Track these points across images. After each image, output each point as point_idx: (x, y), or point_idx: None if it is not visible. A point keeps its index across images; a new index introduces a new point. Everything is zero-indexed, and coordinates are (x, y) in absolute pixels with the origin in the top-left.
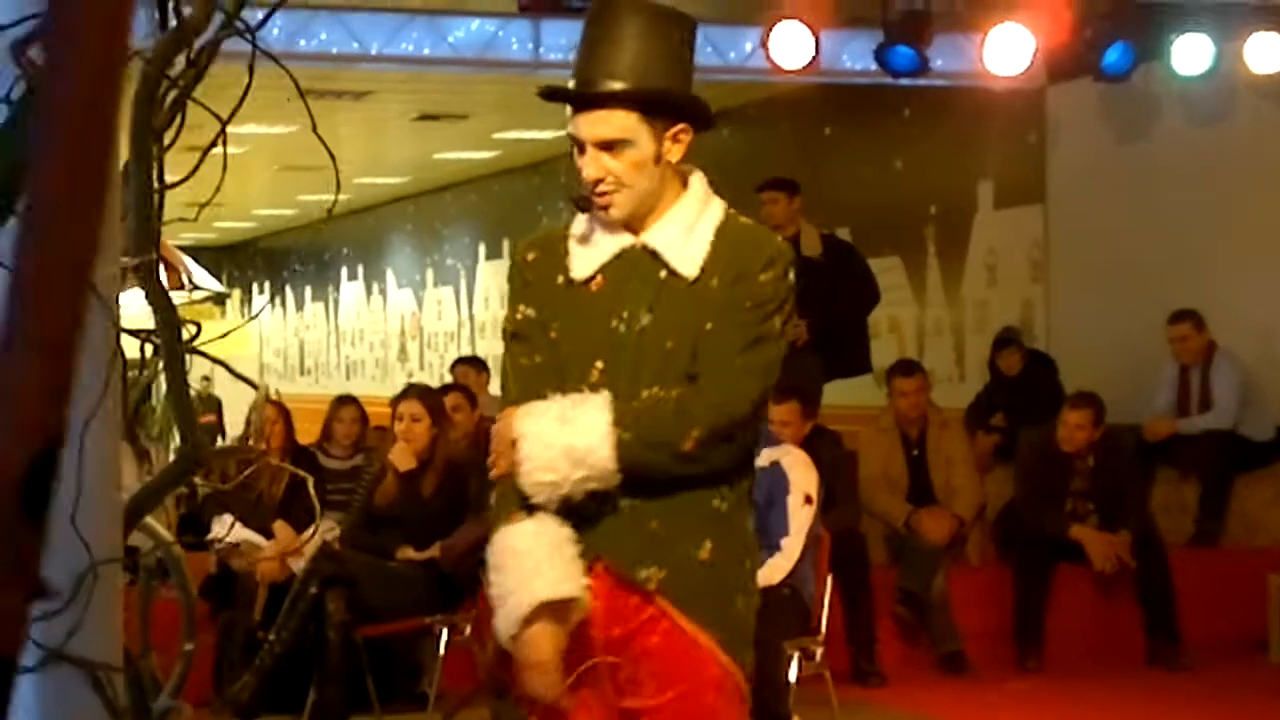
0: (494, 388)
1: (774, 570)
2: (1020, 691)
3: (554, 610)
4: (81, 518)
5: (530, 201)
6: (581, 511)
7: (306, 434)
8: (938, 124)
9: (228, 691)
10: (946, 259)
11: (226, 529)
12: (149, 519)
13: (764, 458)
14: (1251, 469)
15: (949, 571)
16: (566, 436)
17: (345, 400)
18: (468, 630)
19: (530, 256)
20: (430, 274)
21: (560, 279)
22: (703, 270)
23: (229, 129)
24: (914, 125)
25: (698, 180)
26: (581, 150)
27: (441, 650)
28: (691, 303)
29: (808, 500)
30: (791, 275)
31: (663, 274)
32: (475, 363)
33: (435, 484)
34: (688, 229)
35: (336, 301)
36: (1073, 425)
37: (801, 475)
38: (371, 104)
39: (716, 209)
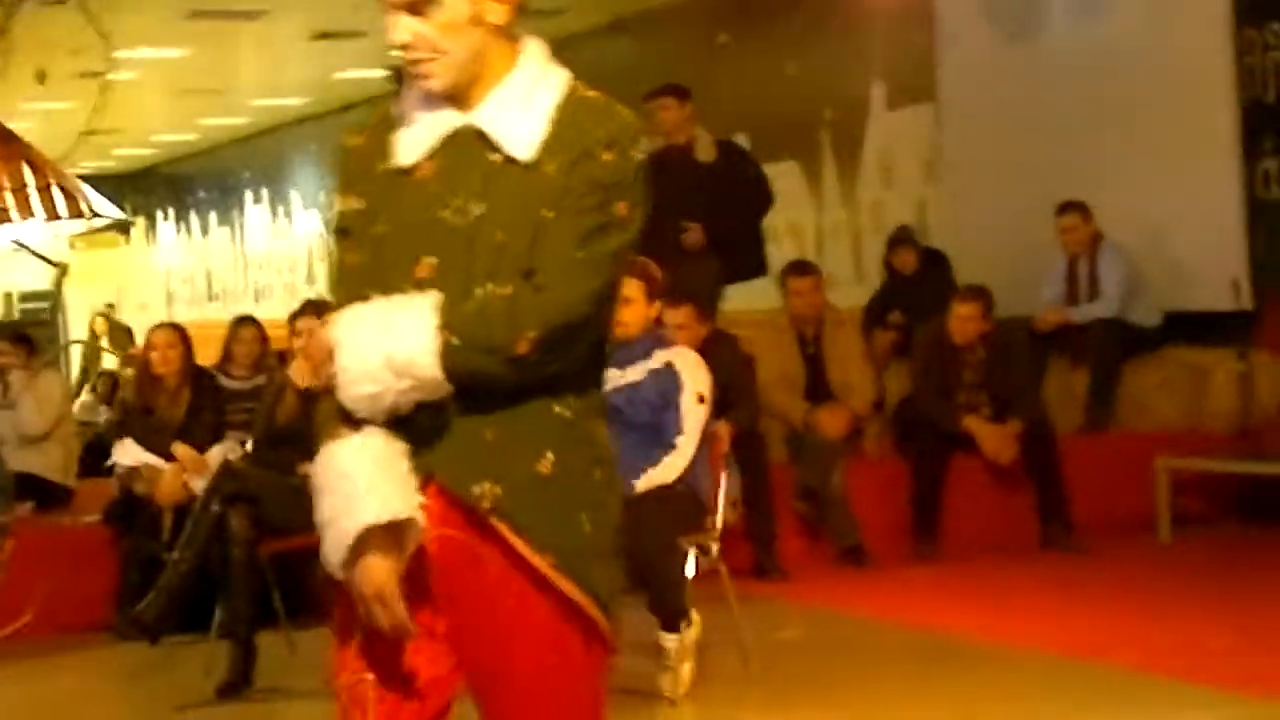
0: None
1: (669, 469)
2: (918, 580)
3: (387, 534)
4: None
5: None
6: (412, 425)
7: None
8: (829, 27)
9: (133, 611)
10: (842, 161)
11: (127, 454)
12: None
13: (656, 359)
14: (1140, 354)
15: (847, 467)
16: (387, 344)
17: (244, 320)
18: None
19: (354, 142)
20: None
21: (385, 166)
22: (540, 152)
23: (121, 54)
24: (806, 30)
25: (534, 47)
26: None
27: None
28: (527, 189)
29: (700, 399)
30: (639, 152)
31: (495, 157)
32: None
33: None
34: (521, 105)
35: (243, 226)
36: (963, 318)
37: (694, 375)
38: (266, 24)
39: (557, 81)
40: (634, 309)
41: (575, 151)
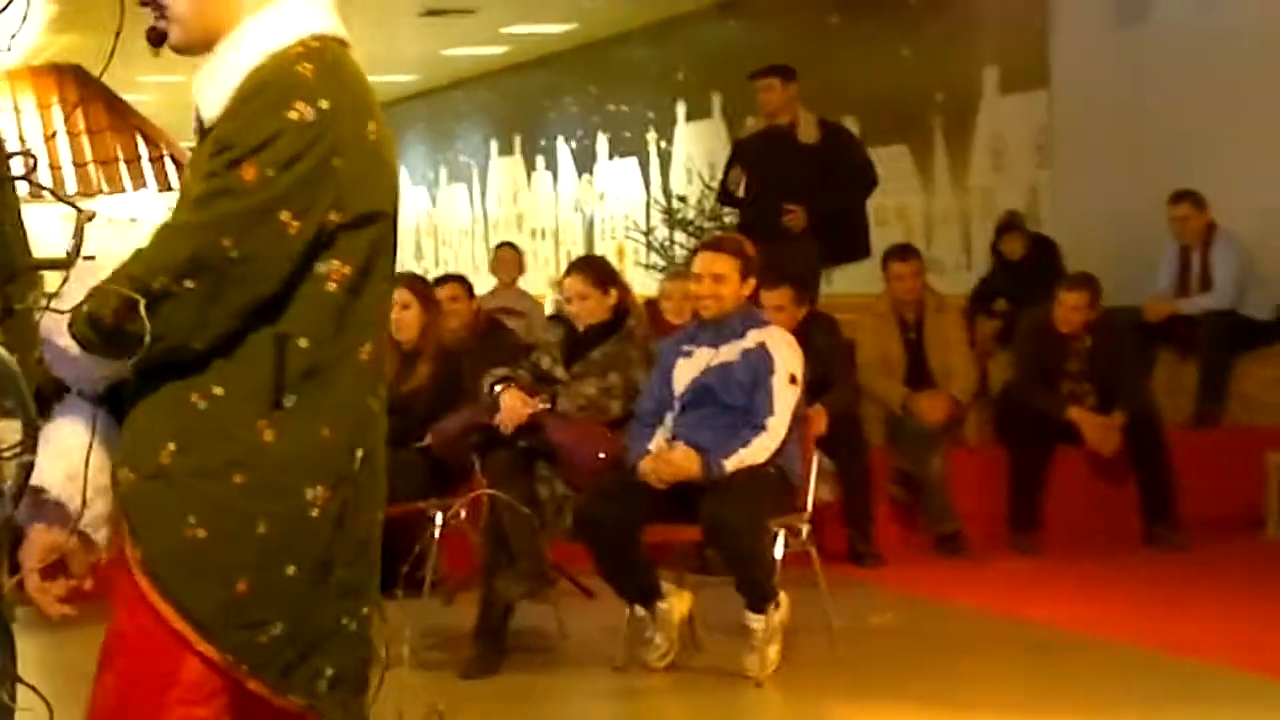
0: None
1: (759, 450)
2: (1016, 571)
3: (56, 509)
4: None
5: (540, 97)
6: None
7: None
8: (942, 10)
9: None
10: (952, 146)
11: None
12: None
13: (750, 339)
14: (1252, 348)
15: (946, 453)
16: (53, 319)
17: None
18: (462, 515)
19: None
20: (444, 171)
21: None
22: (220, 115)
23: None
24: (920, 13)
25: (285, 3)
26: None
27: (437, 535)
28: (201, 155)
29: (792, 380)
30: (297, 111)
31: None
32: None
33: (429, 371)
34: (220, 66)
35: None
36: (1069, 306)
37: (787, 355)
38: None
39: (271, 40)
40: (727, 285)
41: (233, 109)
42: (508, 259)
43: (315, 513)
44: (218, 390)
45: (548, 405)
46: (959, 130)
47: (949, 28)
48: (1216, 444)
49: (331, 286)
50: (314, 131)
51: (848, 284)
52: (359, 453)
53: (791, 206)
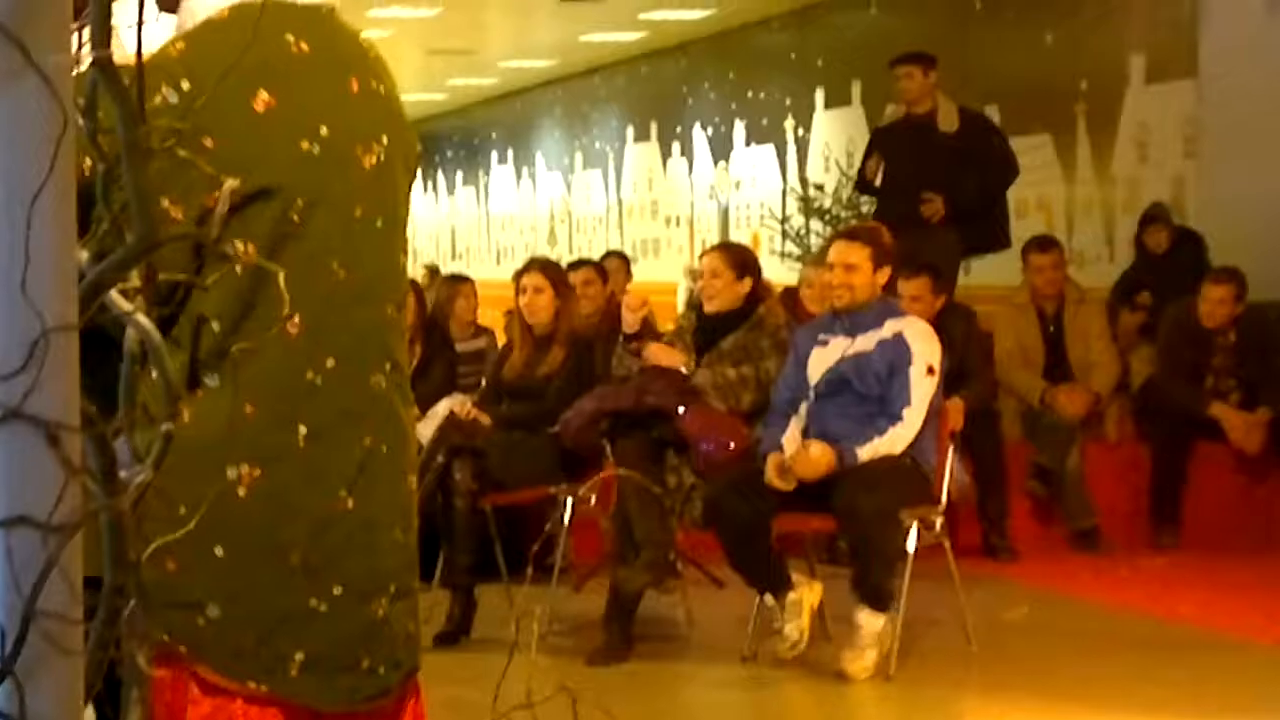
0: (640, 273)
1: (895, 440)
2: (1155, 569)
3: None
4: (32, 287)
5: (677, 83)
6: None
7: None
8: None
9: None
10: (1096, 135)
11: None
12: (116, 297)
13: (887, 329)
14: None
15: (1085, 448)
16: None
17: (460, 278)
18: (592, 501)
19: None
20: (579, 157)
21: None
22: None
23: (374, 12)
24: None
25: None
26: None
27: (566, 521)
28: None
29: (929, 371)
30: (161, 95)
31: None
32: (620, 256)
33: (561, 357)
34: (167, 32)
35: (487, 186)
36: (1214, 300)
37: (924, 346)
38: None
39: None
40: (859, 275)
41: None
42: (615, 269)
43: (242, 492)
44: (151, 374)
45: (690, 368)
46: (1103, 120)
47: (1095, 15)
48: None
49: (235, 267)
50: (175, 115)
51: (987, 275)
52: (301, 429)
53: (930, 195)
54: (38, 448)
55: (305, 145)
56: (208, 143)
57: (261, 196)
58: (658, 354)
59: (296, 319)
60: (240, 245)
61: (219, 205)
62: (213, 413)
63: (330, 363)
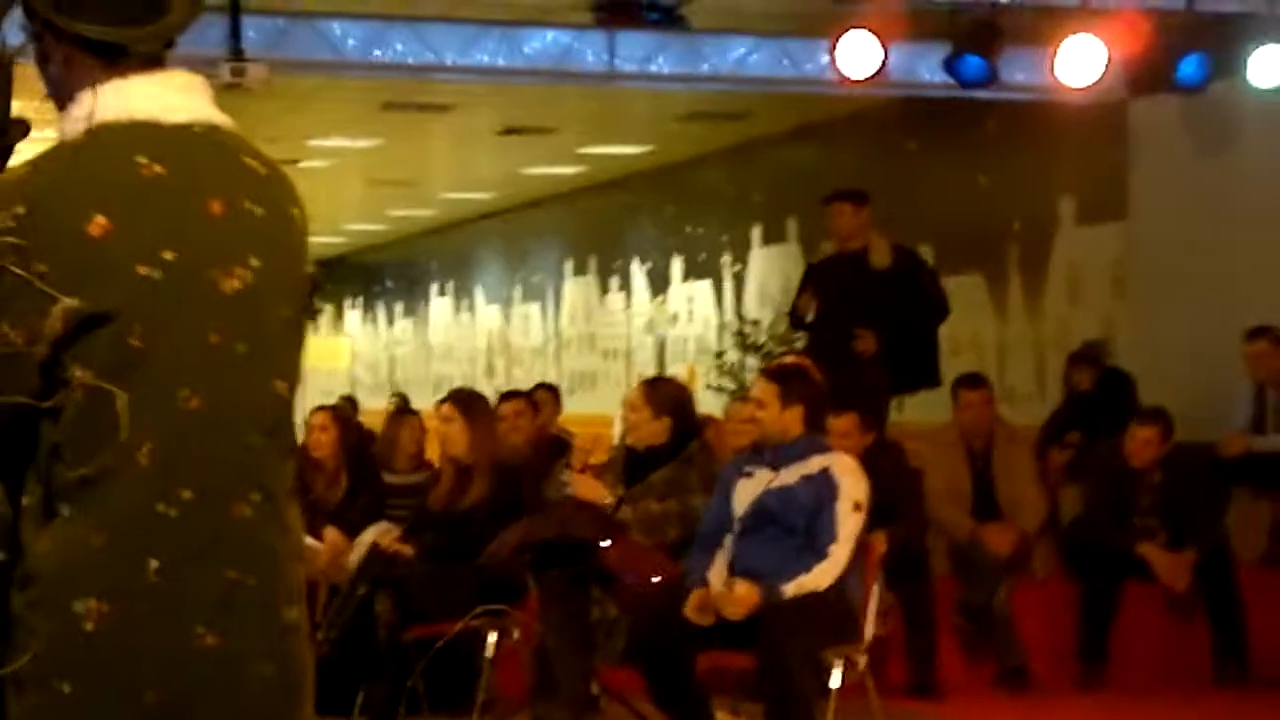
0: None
1: (821, 576)
2: (1083, 708)
3: None
4: None
5: (617, 218)
6: None
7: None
8: (1020, 139)
9: None
10: (1028, 275)
11: None
12: None
13: (813, 464)
14: None
15: (1013, 586)
16: None
17: (406, 411)
18: (515, 634)
19: None
20: (518, 290)
21: None
22: None
23: (315, 142)
24: (997, 141)
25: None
26: None
27: (489, 653)
28: None
29: (857, 507)
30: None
31: None
32: (550, 388)
33: (485, 487)
34: None
35: (427, 317)
36: (1141, 441)
37: (851, 482)
38: (456, 116)
39: (72, 125)
40: (767, 411)
41: None
42: (545, 401)
43: (89, 626)
44: (25, 500)
45: (614, 502)
46: (1035, 260)
47: (1027, 157)
48: None
49: (76, 394)
50: (9, 240)
51: (918, 411)
52: (152, 563)
53: (861, 331)
54: None
55: (144, 270)
56: (41, 267)
57: (96, 321)
58: (580, 487)
59: (145, 448)
60: (78, 371)
61: (49, 325)
62: (66, 543)
63: (187, 494)
